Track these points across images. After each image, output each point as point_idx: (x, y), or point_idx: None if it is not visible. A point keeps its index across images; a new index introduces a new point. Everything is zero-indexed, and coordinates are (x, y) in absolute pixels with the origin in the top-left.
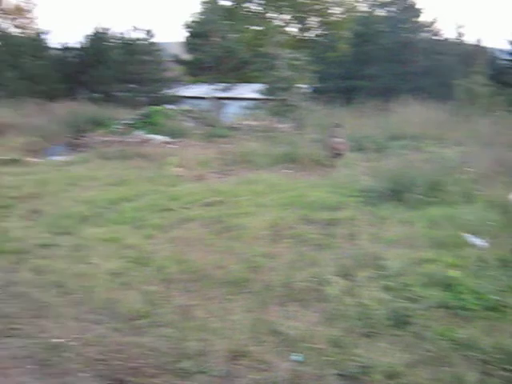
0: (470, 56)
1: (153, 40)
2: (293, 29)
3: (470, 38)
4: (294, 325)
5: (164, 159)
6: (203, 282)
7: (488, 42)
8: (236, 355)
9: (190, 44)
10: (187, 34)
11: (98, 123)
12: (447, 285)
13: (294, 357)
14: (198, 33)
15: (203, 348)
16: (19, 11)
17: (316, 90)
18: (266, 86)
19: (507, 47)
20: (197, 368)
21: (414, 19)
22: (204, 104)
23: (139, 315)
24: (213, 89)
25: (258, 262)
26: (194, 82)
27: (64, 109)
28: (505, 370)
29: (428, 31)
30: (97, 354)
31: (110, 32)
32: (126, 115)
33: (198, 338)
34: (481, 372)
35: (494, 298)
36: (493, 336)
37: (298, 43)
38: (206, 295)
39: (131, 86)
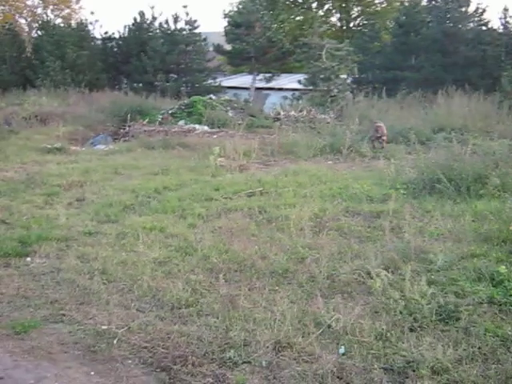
0: None
1: (195, 30)
2: (335, 19)
3: None
4: (339, 317)
5: (206, 149)
6: (247, 272)
7: None
8: (281, 346)
9: (231, 34)
10: (227, 24)
11: (140, 113)
12: (495, 281)
13: (340, 349)
14: (239, 22)
15: (248, 338)
16: (64, 2)
17: (358, 81)
18: (308, 77)
19: None
20: (242, 358)
21: (461, 9)
22: (246, 94)
23: (184, 304)
24: (254, 79)
25: (302, 253)
26: (236, 72)
27: (107, 98)
28: None
29: (476, 21)
30: (142, 341)
31: (151, 21)
32: (168, 105)
33: (242, 328)
34: None
35: None
36: None
37: (341, 33)
38: (250, 285)
39: (173, 75)
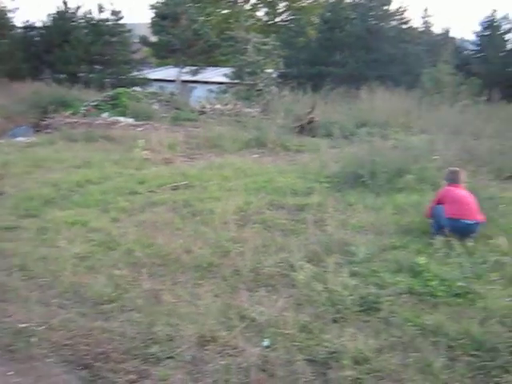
0: (436, 45)
1: (120, 20)
2: (261, 13)
3: (437, 28)
4: (263, 310)
5: (131, 142)
6: (171, 266)
7: (455, 32)
8: (205, 340)
9: (157, 25)
10: (153, 16)
11: (63, 104)
12: (415, 271)
13: (264, 342)
14: (165, 14)
15: (172, 333)
16: None
17: (284, 75)
18: (234, 70)
19: (473, 37)
20: (165, 353)
21: (384, 7)
22: (171, 87)
23: (106, 300)
24: (180, 72)
25: (227, 246)
26: (162, 65)
27: (28, 89)
28: (470, 355)
29: (397, 20)
30: (63, 339)
31: (75, 11)
32: (92, 97)
33: (166, 323)
34: (447, 357)
35: (460, 284)
36: (459, 322)
37: (267, 28)
38: (174, 280)
39: (98, 67)
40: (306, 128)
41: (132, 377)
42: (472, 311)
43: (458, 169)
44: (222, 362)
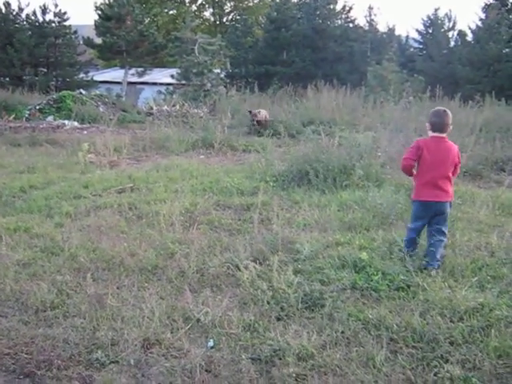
0: (381, 43)
1: (65, 22)
2: (208, 13)
3: (382, 26)
4: (208, 311)
5: (76, 145)
6: (116, 270)
7: (400, 30)
8: (149, 343)
9: (102, 27)
10: (98, 17)
11: (6, 108)
12: (358, 267)
13: (208, 343)
14: (110, 15)
15: (116, 337)
16: None
17: (231, 75)
18: (181, 71)
19: (417, 36)
20: (109, 358)
21: (329, 6)
22: (118, 89)
23: (49, 306)
24: (127, 73)
25: (172, 248)
26: (108, 67)
27: None
28: (412, 347)
29: (342, 18)
30: (4, 347)
31: (18, 12)
32: (37, 100)
33: (110, 328)
34: (389, 350)
35: (402, 278)
36: (401, 315)
37: (214, 28)
38: (118, 283)
39: (42, 69)
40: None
41: (75, 383)
42: (413, 304)
43: (446, 110)
44: (167, 365)
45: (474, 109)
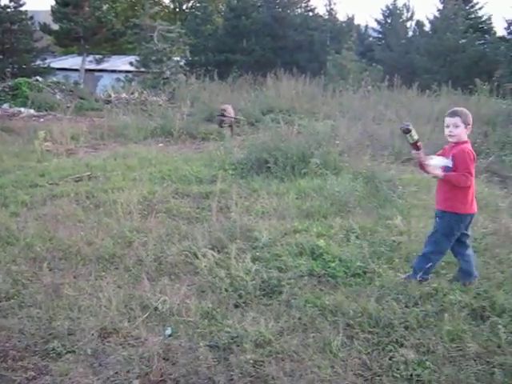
0: (341, 32)
1: (20, 7)
2: (168, 0)
3: (342, 15)
4: (165, 299)
5: (32, 133)
6: (73, 259)
7: (359, 20)
8: (106, 332)
9: (58, 13)
10: (54, 2)
11: None
12: (315, 254)
13: (166, 331)
14: (66, 1)
15: (72, 327)
16: None
17: (191, 63)
18: (140, 59)
19: (376, 25)
20: (66, 348)
21: None
22: (76, 76)
23: (4, 296)
24: (84, 60)
25: (130, 237)
26: (66, 53)
27: None
28: (368, 332)
29: (302, 7)
30: None
31: None
32: None
33: (66, 317)
34: (346, 336)
35: (359, 264)
36: (357, 301)
37: (173, 15)
38: (75, 273)
39: None
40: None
41: (31, 374)
42: (369, 290)
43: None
44: (124, 353)
45: (430, 98)
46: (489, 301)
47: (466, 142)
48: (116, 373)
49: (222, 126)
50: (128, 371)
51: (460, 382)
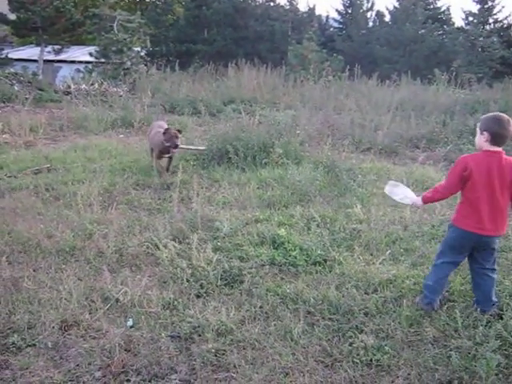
0: (302, 23)
1: None
2: None
3: (302, 6)
4: (127, 290)
5: None
6: (32, 252)
7: (319, 10)
8: (67, 325)
9: (15, 2)
10: None
11: None
12: (277, 243)
13: (127, 322)
14: None
15: (32, 320)
16: None
17: (152, 54)
18: (100, 49)
19: (336, 16)
20: (26, 342)
21: None
22: (34, 67)
23: None
24: (43, 51)
25: (90, 229)
26: (23, 44)
27: None
28: (328, 319)
29: None
30: None
31: None
32: None
33: (26, 311)
34: (307, 323)
35: (320, 253)
36: (317, 289)
37: (134, 5)
38: (35, 266)
39: None
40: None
41: None
42: (330, 278)
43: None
44: (85, 345)
45: (390, 88)
46: (447, 286)
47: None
48: (77, 365)
49: (160, 157)
50: (89, 363)
51: (418, 365)
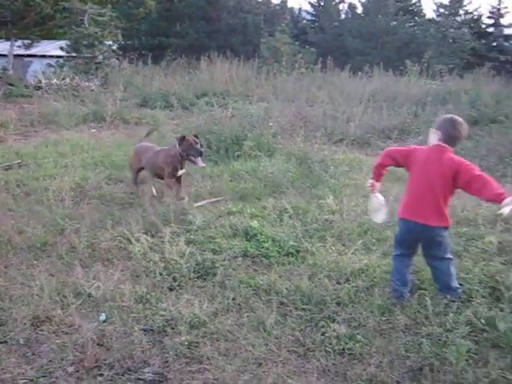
0: (275, 15)
1: None
2: None
3: None
4: (99, 285)
5: None
6: (3, 248)
7: (292, 3)
8: (39, 321)
9: None
10: None
11: None
12: (249, 235)
13: (100, 317)
14: None
15: (4, 317)
16: None
17: (124, 48)
18: (71, 43)
19: (309, 8)
20: None
21: None
22: (4, 62)
23: None
24: (12, 45)
25: (62, 224)
26: None
27: None
28: (301, 309)
29: None
30: None
31: None
32: None
33: None
34: (280, 314)
35: (292, 244)
36: (290, 280)
37: None
38: (6, 262)
39: None
40: None
41: None
42: (302, 268)
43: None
44: (58, 341)
45: (363, 79)
46: (417, 275)
47: None
48: (50, 361)
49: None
50: (62, 359)
51: (390, 353)
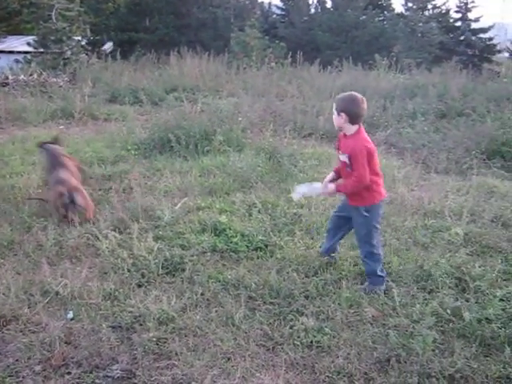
0: (245, 10)
1: None
2: None
3: None
4: (67, 282)
5: None
6: None
7: None
8: (6, 320)
9: None
10: None
11: None
12: (218, 230)
13: (68, 315)
14: None
15: None
16: None
17: (93, 43)
18: (38, 38)
19: (279, 2)
20: None
21: None
22: None
23: None
24: None
25: (29, 222)
26: None
27: None
28: (269, 303)
29: None
30: None
31: None
32: None
33: None
34: (248, 308)
35: (261, 238)
36: (259, 274)
37: None
38: None
39: None
40: None
41: None
42: (271, 262)
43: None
44: (25, 340)
45: (332, 74)
46: (386, 266)
47: (356, 134)
48: (17, 360)
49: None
50: (29, 358)
51: (357, 345)
